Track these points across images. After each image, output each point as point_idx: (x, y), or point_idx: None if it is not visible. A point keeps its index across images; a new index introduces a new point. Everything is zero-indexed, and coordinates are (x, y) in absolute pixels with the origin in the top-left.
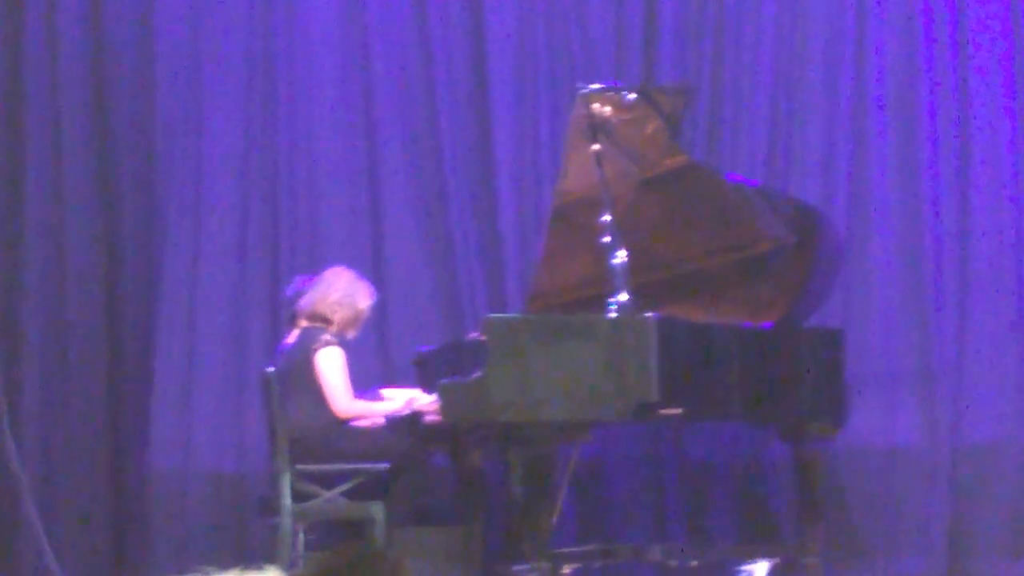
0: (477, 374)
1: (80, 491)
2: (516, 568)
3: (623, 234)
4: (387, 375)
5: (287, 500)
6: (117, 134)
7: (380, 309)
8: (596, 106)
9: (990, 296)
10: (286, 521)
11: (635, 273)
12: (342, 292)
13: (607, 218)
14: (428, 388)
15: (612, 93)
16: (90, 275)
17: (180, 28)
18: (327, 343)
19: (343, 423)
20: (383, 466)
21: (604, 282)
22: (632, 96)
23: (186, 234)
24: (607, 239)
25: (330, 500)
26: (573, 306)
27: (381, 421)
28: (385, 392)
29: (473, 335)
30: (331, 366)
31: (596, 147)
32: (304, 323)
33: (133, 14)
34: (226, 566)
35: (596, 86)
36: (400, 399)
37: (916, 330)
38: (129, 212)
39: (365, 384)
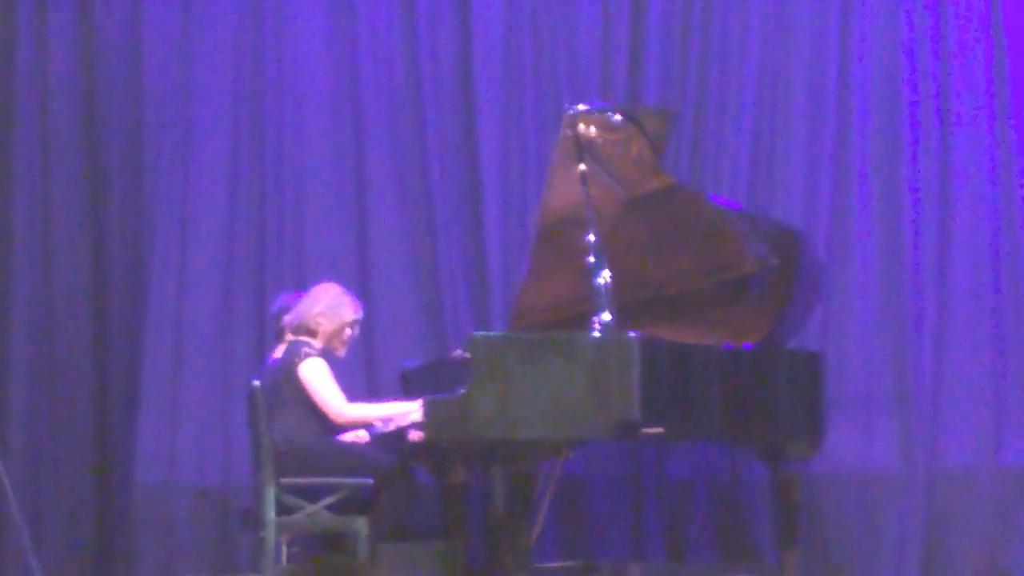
0: (461, 391)
1: (66, 503)
2: None
3: (607, 254)
4: (372, 390)
5: (271, 513)
6: (106, 147)
7: (366, 325)
8: (582, 126)
9: (967, 321)
10: (270, 534)
11: (618, 293)
12: (326, 304)
13: (591, 238)
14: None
15: (598, 114)
16: (78, 290)
17: (169, 47)
18: (307, 355)
19: (328, 437)
20: (367, 481)
21: (588, 301)
22: (618, 117)
23: (173, 249)
24: (591, 259)
25: (314, 514)
26: (557, 325)
27: (365, 436)
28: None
29: (457, 352)
30: (316, 376)
31: (582, 167)
32: (290, 337)
33: (122, 34)
34: None
35: (582, 106)
36: (403, 406)
37: (894, 353)
38: (116, 227)
39: (350, 399)
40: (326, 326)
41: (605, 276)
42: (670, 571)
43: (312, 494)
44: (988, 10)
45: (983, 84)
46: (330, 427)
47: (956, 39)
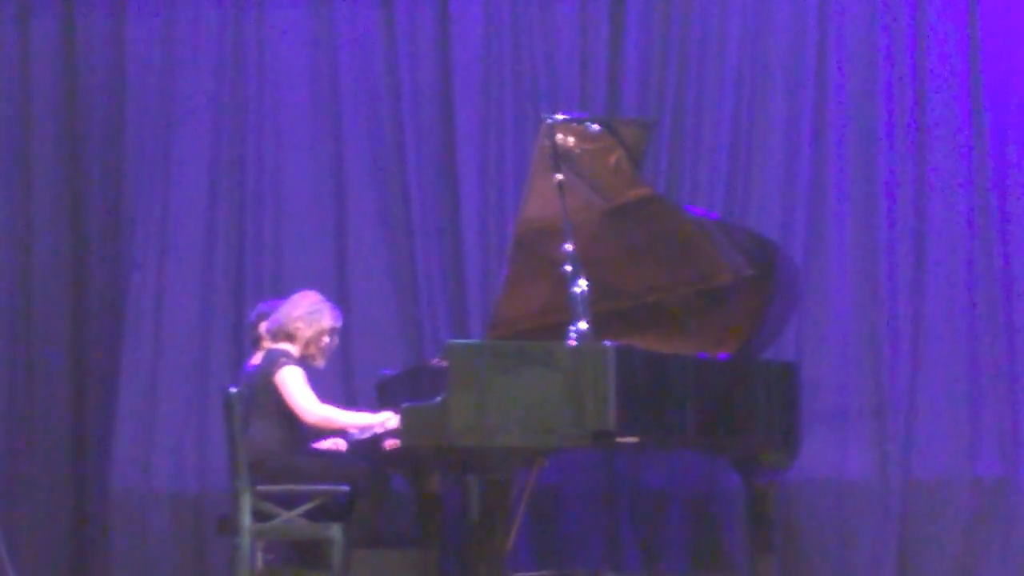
0: (438, 398)
1: (43, 510)
2: None
3: (584, 263)
4: (350, 397)
5: (247, 520)
6: (86, 160)
7: (344, 333)
8: (560, 136)
9: (942, 333)
10: (245, 541)
11: (595, 302)
12: (306, 310)
13: (569, 247)
14: (391, 411)
15: (576, 124)
16: (57, 298)
17: (150, 60)
18: (284, 364)
19: (304, 444)
20: (343, 488)
21: (565, 311)
22: (596, 127)
23: (152, 258)
24: (568, 268)
25: (290, 520)
26: (534, 334)
27: (343, 444)
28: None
29: (434, 360)
30: (292, 382)
31: (559, 177)
32: (268, 344)
33: (104, 48)
34: None
35: (561, 116)
36: (374, 416)
37: (869, 365)
38: (96, 237)
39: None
40: (304, 331)
41: (582, 285)
42: None
43: (288, 501)
44: (964, 24)
45: (959, 98)
46: (306, 435)
47: (934, 52)
